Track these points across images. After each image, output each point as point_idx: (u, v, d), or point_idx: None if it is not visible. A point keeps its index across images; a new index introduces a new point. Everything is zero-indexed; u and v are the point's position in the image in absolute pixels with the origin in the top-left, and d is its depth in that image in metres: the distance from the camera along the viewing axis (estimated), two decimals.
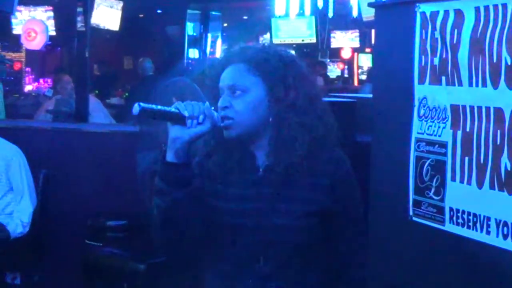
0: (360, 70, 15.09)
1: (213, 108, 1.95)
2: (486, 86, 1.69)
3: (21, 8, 10.21)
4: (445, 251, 1.85)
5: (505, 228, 1.64)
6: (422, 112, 1.94)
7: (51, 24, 10.47)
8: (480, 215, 1.72)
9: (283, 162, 1.97)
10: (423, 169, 1.91)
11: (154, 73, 8.98)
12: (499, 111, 1.66)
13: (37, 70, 13.79)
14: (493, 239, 1.67)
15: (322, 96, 2.15)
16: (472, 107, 1.75)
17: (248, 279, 2.00)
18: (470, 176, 1.75)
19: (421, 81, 1.94)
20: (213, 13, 11.70)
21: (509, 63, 1.61)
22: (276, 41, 10.91)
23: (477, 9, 1.71)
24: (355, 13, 9.72)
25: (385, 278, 2.08)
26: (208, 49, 12.03)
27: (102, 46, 11.13)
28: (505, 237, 1.64)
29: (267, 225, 1.98)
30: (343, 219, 2.08)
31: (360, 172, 2.10)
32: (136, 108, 1.80)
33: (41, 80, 13.06)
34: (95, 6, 9.89)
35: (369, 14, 6.19)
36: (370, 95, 2.59)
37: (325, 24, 11.88)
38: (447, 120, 1.84)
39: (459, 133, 1.79)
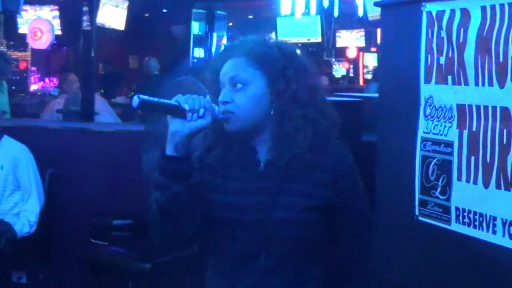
0: (365, 70, 15.05)
1: (213, 102, 1.94)
2: (492, 86, 1.69)
3: (27, 7, 10.22)
4: (451, 250, 1.85)
5: (511, 228, 1.64)
6: (428, 111, 1.93)
7: (56, 23, 10.47)
8: (486, 215, 1.71)
9: (286, 156, 1.96)
10: (429, 168, 1.91)
11: (159, 72, 8.95)
12: (505, 111, 1.65)
13: (42, 69, 13.79)
14: (499, 239, 1.67)
15: (323, 89, 2.14)
16: (478, 107, 1.74)
17: (249, 274, 1.99)
18: (476, 176, 1.75)
19: (427, 81, 1.93)
20: (219, 12, 11.68)
21: None
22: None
23: (483, 8, 1.70)
24: (360, 12, 9.71)
25: (391, 277, 2.08)
26: (214, 49, 12.03)
27: (107, 45, 11.14)
28: (511, 237, 1.64)
29: (268, 219, 1.97)
30: (346, 213, 2.07)
31: (366, 171, 2.10)
32: (135, 100, 1.79)
33: (46, 79, 13.07)
34: (101, 5, 9.87)
35: (374, 13, 6.17)
36: (376, 95, 2.59)
37: (330, 23, 11.89)
38: (453, 120, 1.84)
39: (465, 132, 1.79)
